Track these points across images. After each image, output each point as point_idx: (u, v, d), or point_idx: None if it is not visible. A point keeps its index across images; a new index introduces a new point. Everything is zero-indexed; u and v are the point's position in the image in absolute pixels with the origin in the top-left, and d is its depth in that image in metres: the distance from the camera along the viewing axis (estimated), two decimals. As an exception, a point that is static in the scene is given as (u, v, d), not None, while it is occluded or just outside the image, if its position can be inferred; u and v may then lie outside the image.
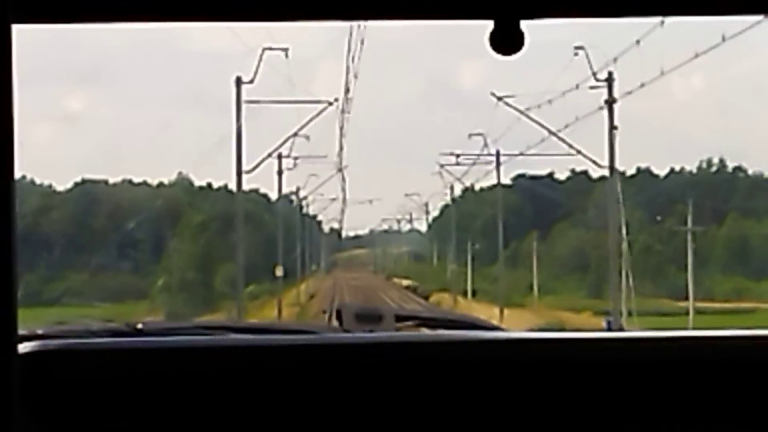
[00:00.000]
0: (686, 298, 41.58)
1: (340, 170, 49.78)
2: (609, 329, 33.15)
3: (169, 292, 40.99)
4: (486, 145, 46.60)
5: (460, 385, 2.81)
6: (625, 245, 34.44)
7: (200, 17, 2.27)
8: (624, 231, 34.81)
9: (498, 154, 47.55)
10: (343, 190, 66.26)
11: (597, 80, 33.68)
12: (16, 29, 2.03)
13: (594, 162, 34.86)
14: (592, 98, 33.92)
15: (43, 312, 38.30)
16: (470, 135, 47.00)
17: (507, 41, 2.19)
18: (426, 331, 3.12)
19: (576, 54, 33.74)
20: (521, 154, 43.95)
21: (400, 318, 3.19)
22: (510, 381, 2.84)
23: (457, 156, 49.26)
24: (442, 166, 54.25)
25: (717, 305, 42.54)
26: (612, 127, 32.89)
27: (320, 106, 36.16)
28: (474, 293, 56.27)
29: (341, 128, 43.98)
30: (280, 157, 43.06)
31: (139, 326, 2.91)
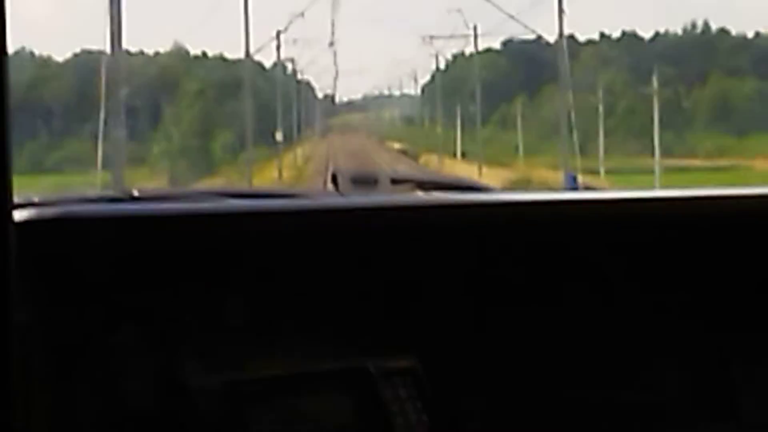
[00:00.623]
0: (670, 156, 42.23)
1: (331, 44, 49.58)
2: (571, 183, 33.46)
3: (169, 157, 41.28)
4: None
5: (456, 247, 2.76)
6: (600, 107, 34.95)
7: None
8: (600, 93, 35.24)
9: (475, 29, 47.21)
10: (335, 62, 66.79)
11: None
12: None
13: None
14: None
15: (45, 179, 38.66)
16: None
17: None
18: (421, 194, 3.06)
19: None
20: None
21: (395, 181, 3.12)
22: (506, 241, 2.80)
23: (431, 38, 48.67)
24: (431, 37, 54.48)
25: (698, 162, 43.08)
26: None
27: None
28: (463, 155, 56.82)
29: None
30: (278, 34, 42.55)
31: (135, 193, 2.84)
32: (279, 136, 45.80)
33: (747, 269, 2.94)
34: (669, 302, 2.88)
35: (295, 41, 54.67)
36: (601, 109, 42.22)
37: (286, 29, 46.51)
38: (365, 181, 3.09)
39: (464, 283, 2.77)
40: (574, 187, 38.78)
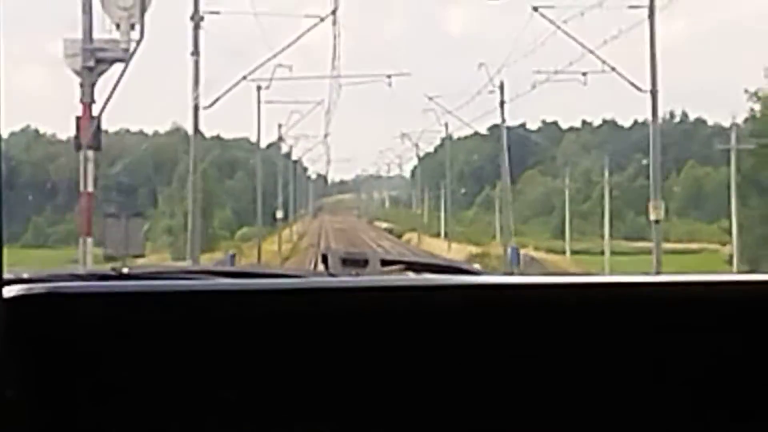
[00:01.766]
0: (641, 239, 42.67)
1: (326, 135, 51.56)
2: (515, 256, 34.18)
3: (170, 233, 41.74)
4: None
5: (444, 329, 2.67)
6: (567, 192, 35.56)
7: None
8: (567, 180, 35.87)
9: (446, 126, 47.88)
10: (327, 153, 69.85)
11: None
12: None
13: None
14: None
15: (50, 253, 38.85)
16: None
17: None
18: (411, 275, 2.97)
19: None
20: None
21: (385, 262, 3.03)
22: (492, 324, 2.71)
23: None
24: (403, 135, 56.58)
25: (669, 246, 43.61)
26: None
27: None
28: (446, 234, 58.24)
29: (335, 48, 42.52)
30: (279, 126, 43.03)
31: (125, 270, 2.74)
32: (279, 214, 49.73)
33: (704, 353, 2.83)
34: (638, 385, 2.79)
35: (297, 139, 56.08)
36: (567, 193, 43.15)
37: (286, 124, 47.50)
38: (355, 261, 3.01)
39: (454, 363, 2.67)
40: (517, 259, 39.95)
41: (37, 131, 50.31)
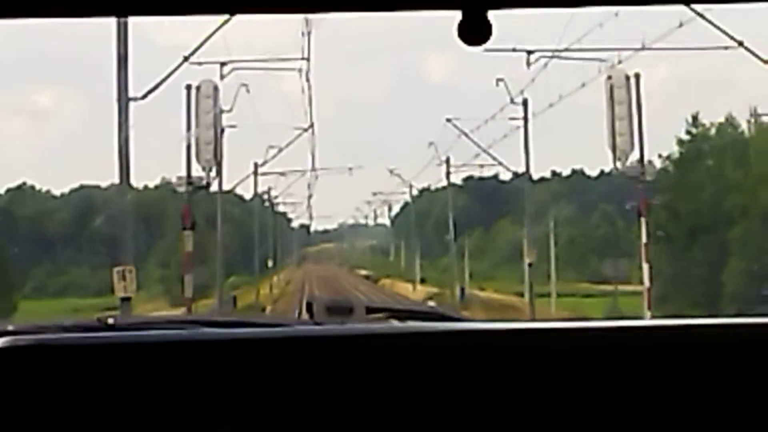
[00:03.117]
0: (604, 282, 42.87)
1: (310, 197, 56.12)
2: (462, 296, 36.91)
3: (164, 282, 41.86)
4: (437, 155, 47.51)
5: (429, 375, 2.55)
6: (526, 241, 36.58)
7: (167, 10, 1.98)
8: (527, 228, 36.88)
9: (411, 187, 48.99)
10: (309, 211, 73.23)
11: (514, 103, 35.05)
12: None
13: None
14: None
15: (49, 304, 38.80)
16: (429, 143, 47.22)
17: (475, 31, 1.99)
18: (395, 323, 2.85)
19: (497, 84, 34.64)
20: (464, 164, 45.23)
21: (370, 310, 2.90)
22: (476, 370, 2.60)
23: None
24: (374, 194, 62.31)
25: (630, 288, 44.03)
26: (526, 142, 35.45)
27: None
28: (422, 280, 59.99)
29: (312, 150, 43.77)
30: (256, 166, 43.35)
31: (110, 321, 2.62)
32: (270, 263, 55.40)
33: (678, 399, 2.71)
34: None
35: (286, 198, 58.87)
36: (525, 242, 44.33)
37: (276, 188, 48.90)
38: (340, 309, 2.88)
39: (439, 407, 2.55)
40: (462, 296, 43.55)
41: (33, 188, 50.32)
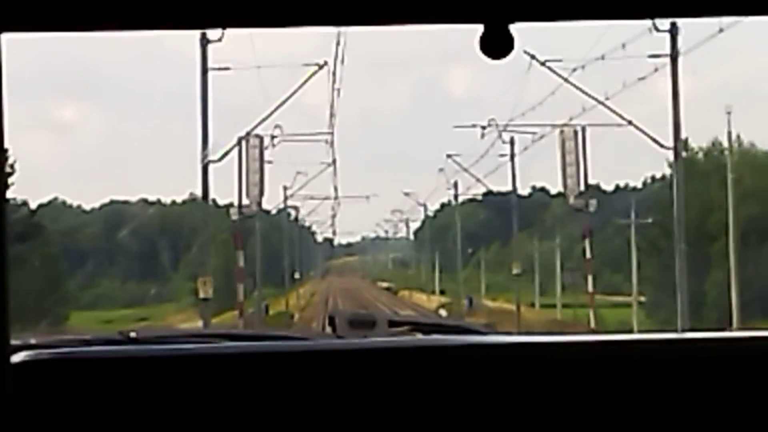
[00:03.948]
0: (617, 294, 44.68)
1: (334, 216, 58.98)
2: (469, 305, 38.93)
3: (196, 295, 42.24)
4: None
5: (450, 387, 2.48)
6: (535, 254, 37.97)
7: (191, 24, 1.92)
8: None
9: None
10: (333, 223, 74.04)
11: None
12: (5, 39, 1.70)
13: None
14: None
15: (83, 315, 38.93)
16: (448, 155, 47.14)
17: (497, 45, 1.93)
18: (418, 336, 2.78)
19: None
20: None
21: (393, 323, 2.83)
22: (499, 381, 2.53)
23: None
24: (407, 194, 61.99)
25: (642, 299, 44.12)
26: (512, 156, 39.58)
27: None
28: (442, 292, 61.31)
29: (333, 161, 43.79)
30: (285, 189, 44.73)
31: (133, 335, 2.56)
32: (297, 275, 59.63)
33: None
34: None
35: (311, 216, 61.25)
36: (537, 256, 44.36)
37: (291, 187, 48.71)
38: (363, 323, 2.81)
39: (463, 419, 2.49)
40: (470, 305, 44.97)
41: (64, 203, 50.57)
